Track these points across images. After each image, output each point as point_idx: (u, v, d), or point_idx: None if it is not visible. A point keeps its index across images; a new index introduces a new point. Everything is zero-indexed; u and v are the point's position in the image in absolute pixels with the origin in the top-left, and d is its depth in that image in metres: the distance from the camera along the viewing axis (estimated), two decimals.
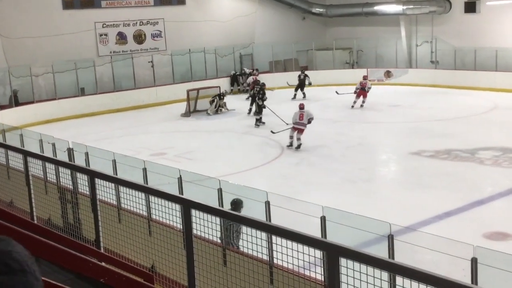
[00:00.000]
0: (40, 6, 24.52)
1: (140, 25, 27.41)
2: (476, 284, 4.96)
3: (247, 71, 28.57)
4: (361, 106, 22.86)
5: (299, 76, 26.28)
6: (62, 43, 24.79)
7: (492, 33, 26.41)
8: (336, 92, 24.30)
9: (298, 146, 16.47)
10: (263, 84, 21.66)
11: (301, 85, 26.00)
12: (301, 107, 17.11)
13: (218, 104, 23.32)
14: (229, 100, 24.35)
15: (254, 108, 21.27)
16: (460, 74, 25.30)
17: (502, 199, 11.86)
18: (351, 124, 20.29)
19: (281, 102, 23.25)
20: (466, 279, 4.94)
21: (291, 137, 16.68)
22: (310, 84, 26.33)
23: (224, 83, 26.50)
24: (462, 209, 11.13)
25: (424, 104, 23.27)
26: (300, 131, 16.59)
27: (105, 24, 26.41)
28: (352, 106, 22.76)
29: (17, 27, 23.87)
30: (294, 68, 30.48)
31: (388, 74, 29.04)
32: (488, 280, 5.12)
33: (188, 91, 23.57)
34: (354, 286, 3.56)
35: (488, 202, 11.68)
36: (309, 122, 16.80)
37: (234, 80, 28.86)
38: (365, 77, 23.97)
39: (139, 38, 27.45)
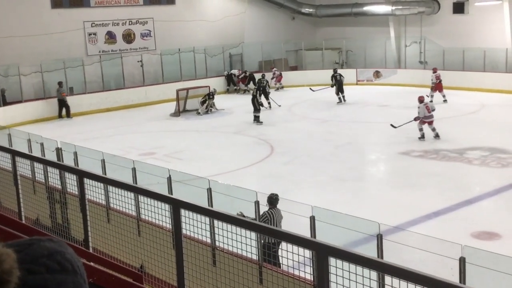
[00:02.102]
0: (29, 4, 24.37)
1: (129, 24, 27.32)
2: (464, 283, 4.99)
3: (236, 72, 28.58)
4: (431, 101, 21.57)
5: (335, 77, 24.37)
6: (50, 42, 24.65)
7: (480, 33, 26.58)
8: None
9: (437, 135, 16.79)
10: (266, 82, 23.26)
11: (340, 86, 24.18)
12: (422, 99, 17.10)
13: (208, 104, 23.32)
14: (225, 99, 24.31)
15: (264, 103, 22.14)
16: (449, 74, 25.40)
17: (490, 199, 11.94)
18: (340, 124, 20.35)
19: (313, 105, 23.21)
20: (454, 278, 4.97)
21: (421, 129, 16.87)
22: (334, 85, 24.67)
23: (213, 83, 26.43)
24: (450, 209, 11.19)
25: (413, 104, 23.31)
26: (431, 122, 16.84)
27: (94, 23, 26.29)
28: (444, 101, 22.79)
29: (5, 25, 23.70)
30: (283, 68, 30.52)
31: (377, 74, 29.15)
32: (476, 279, 5.15)
33: (177, 91, 23.52)
34: (343, 285, 3.57)
35: (476, 201, 11.75)
36: (433, 111, 17.05)
37: (229, 80, 28.77)
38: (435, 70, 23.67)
39: (128, 37, 27.36)
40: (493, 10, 26.03)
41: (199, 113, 23.08)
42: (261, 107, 20.89)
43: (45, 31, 24.58)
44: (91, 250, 5.87)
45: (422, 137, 16.84)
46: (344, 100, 23.94)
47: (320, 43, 31.69)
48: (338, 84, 24.16)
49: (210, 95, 23.45)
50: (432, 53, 28.35)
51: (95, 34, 26.39)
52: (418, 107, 16.91)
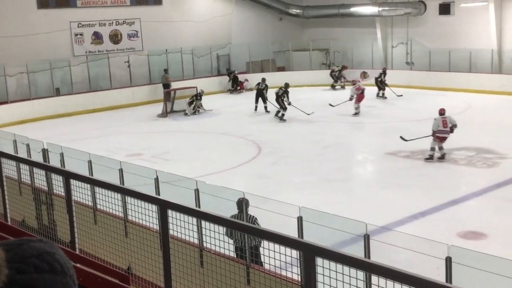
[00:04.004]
0: (15, 5, 24.20)
1: (116, 25, 27.21)
2: (451, 282, 5.02)
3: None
4: (357, 113, 21.50)
5: (380, 75, 25.14)
6: (36, 42, 24.49)
7: (466, 34, 26.78)
8: (330, 105, 22.52)
9: (442, 156, 14.63)
10: (264, 79, 23.44)
11: (381, 84, 24.98)
12: (442, 112, 15.00)
13: (195, 105, 23.29)
14: (213, 100, 24.28)
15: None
16: (435, 75, 25.60)
17: (476, 199, 12.02)
18: (328, 124, 20.39)
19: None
20: (440, 277, 5.00)
21: (433, 149, 14.69)
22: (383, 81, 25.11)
23: (201, 84, 26.38)
24: (437, 209, 11.26)
25: (400, 104, 23.50)
26: (443, 139, 14.68)
27: (80, 23, 26.16)
28: (354, 113, 21.50)
29: None
30: (271, 69, 30.56)
31: (364, 75, 29.21)
32: (462, 278, 5.18)
33: (165, 92, 23.47)
34: (330, 285, 3.58)
35: (462, 201, 11.83)
36: (452, 130, 14.71)
37: (234, 81, 28.59)
38: (358, 79, 24.40)
39: (115, 38, 27.25)
40: (479, 11, 26.23)
41: (186, 114, 23.04)
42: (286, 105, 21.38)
43: (31, 31, 24.41)
44: (77, 252, 5.84)
45: (430, 157, 14.70)
46: (382, 96, 24.83)
47: (308, 44, 31.76)
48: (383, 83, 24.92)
49: (197, 96, 23.42)
50: (419, 54, 28.53)
51: (81, 34, 26.26)
52: (434, 119, 14.95)
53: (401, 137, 16.13)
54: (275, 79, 27.15)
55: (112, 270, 4.70)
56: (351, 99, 21.55)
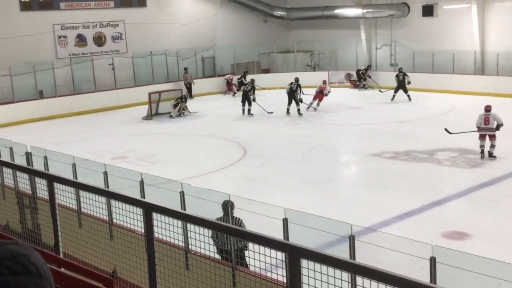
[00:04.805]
0: None
1: (100, 27, 27.09)
2: (435, 282, 5.05)
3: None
4: (314, 109, 22.82)
5: (397, 76, 24.50)
6: (20, 45, 24.30)
7: (449, 36, 27.00)
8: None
9: (491, 154, 14.51)
10: (253, 80, 23.57)
11: (401, 86, 24.13)
12: (487, 109, 14.79)
13: (180, 107, 23.25)
14: (197, 102, 24.27)
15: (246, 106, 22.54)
16: (419, 76, 25.76)
17: (460, 199, 12.12)
18: (312, 126, 20.46)
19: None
20: (425, 278, 5.03)
21: (482, 146, 14.59)
22: (409, 83, 24.26)
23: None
24: (422, 209, 11.33)
25: (383, 106, 23.64)
26: (483, 137, 14.56)
27: (64, 26, 26.00)
28: (307, 108, 22.75)
29: None
30: (256, 71, 30.60)
31: (349, 76, 29.40)
32: (446, 278, 5.22)
33: (149, 94, 23.40)
34: (315, 287, 3.59)
35: (446, 202, 11.92)
36: (498, 128, 14.47)
37: (241, 84, 28.43)
38: (324, 82, 24.05)
39: (99, 40, 27.12)
40: (462, 13, 26.47)
41: (171, 116, 22.99)
42: (300, 102, 21.97)
43: (14, 34, 24.22)
44: (61, 256, 5.79)
45: (482, 153, 14.57)
46: (410, 99, 23.94)
47: (292, 46, 31.86)
48: (399, 83, 24.25)
49: (182, 98, 23.39)
50: (403, 56, 28.72)
51: (65, 37, 26.10)
52: (479, 115, 14.90)
53: (445, 129, 16.11)
54: (260, 81, 27.21)
55: (96, 274, 4.67)
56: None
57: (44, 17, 25.31)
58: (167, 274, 5.01)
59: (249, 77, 26.52)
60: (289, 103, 22.16)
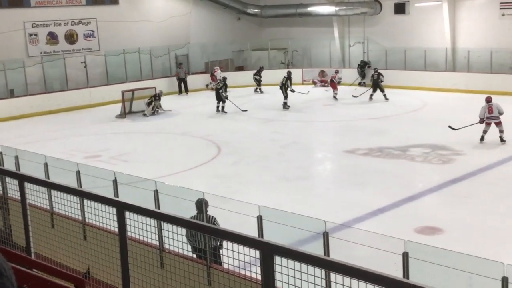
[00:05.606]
0: None
1: (71, 25, 26.76)
2: (408, 277, 5.11)
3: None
4: (335, 97, 24.66)
5: (372, 76, 24.53)
6: None
7: (421, 33, 27.31)
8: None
9: (502, 139, 15.64)
10: (225, 78, 23.61)
11: (376, 85, 24.01)
12: (489, 100, 15.83)
13: (154, 105, 23.12)
14: (171, 100, 24.12)
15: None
16: (391, 73, 25.98)
17: (432, 195, 12.27)
18: (286, 123, 20.52)
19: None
20: (398, 273, 5.08)
21: (485, 131, 15.77)
22: (381, 81, 24.14)
23: (160, 84, 26.15)
24: (395, 205, 11.45)
25: (356, 103, 23.80)
26: (497, 123, 15.67)
27: (35, 23, 25.64)
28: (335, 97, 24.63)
29: None
30: (230, 69, 30.56)
31: (322, 74, 29.53)
32: (419, 273, 5.28)
33: (123, 92, 23.20)
34: (289, 283, 3.60)
35: (419, 197, 12.06)
36: (501, 114, 15.75)
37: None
38: (336, 71, 26.10)
39: (71, 38, 26.80)
40: (433, 11, 26.78)
41: (145, 114, 22.84)
42: (292, 92, 23.03)
43: None
44: (33, 256, 5.72)
45: (481, 139, 15.79)
46: (386, 99, 23.80)
47: (266, 44, 31.89)
48: (373, 82, 24.17)
49: (156, 97, 23.25)
50: (375, 53, 28.96)
51: (36, 35, 25.74)
52: (481, 107, 15.82)
53: (449, 126, 16.67)
54: (234, 79, 27.21)
55: (68, 274, 4.62)
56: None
57: (14, 15, 24.91)
58: (141, 274, 4.99)
59: (223, 74, 26.49)
60: (285, 97, 23.12)
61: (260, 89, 27.52)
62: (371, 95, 24.02)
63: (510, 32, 24.59)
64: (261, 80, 27.26)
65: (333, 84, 25.13)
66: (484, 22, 25.43)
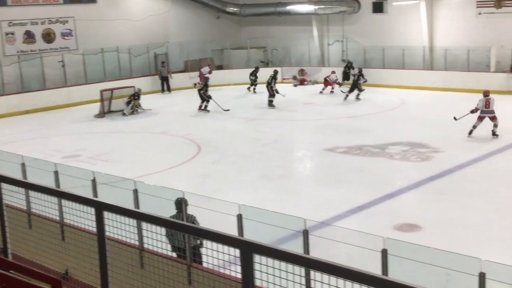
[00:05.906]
0: None
1: (49, 23, 26.48)
2: (387, 274, 5.14)
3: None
4: (331, 92, 25.95)
5: (354, 75, 24.46)
6: None
7: (399, 32, 27.52)
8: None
9: (494, 133, 16.07)
10: (207, 79, 24.12)
11: (354, 86, 23.89)
12: (486, 94, 16.16)
13: (133, 105, 22.98)
14: (150, 99, 23.99)
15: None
16: (370, 72, 26.15)
17: (410, 192, 12.37)
18: (266, 122, 20.54)
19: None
20: (377, 270, 5.12)
21: (475, 126, 16.12)
22: (365, 81, 24.04)
23: (138, 83, 25.98)
24: (374, 203, 11.52)
25: (336, 101, 23.91)
26: (492, 118, 16.02)
27: (11, 22, 25.32)
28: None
29: None
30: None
31: (302, 72, 29.62)
32: (398, 269, 5.32)
33: (101, 91, 23.02)
34: (268, 281, 3.61)
35: (397, 195, 12.15)
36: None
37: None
38: (332, 72, 26.60)
39: (48, 37, 26.51)
40: (411, 9, 27.00)
41: (124, 113, 22.70)
42: (276, 93, 23.06)
43: None
44: (10, 258, 5.65)
45: (470, 133, 16.20)
46: (358, 98, 23.86)
47: (245, 42, 31.89)
48: (353, 82, 24.10)
49: (135, 96, 23.12)
50: (354, 52, 29.13)
51: (12, 33, 25.42)
52: (479, 100, 16.17)
53: (454, 117, 16.95)
54: (213, 78, 27.12)
55: (45, 275, 4.58)
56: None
57: None
58: (121, 274, 4.96)
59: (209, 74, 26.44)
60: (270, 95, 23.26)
61: (254, 88, 27.25)
62: (347, 95, 23.94)
63: (486, 30, 24.88)
64: (256, 80, 27.08)
65: (326, 82, 26.10)
66: (461, 21, 25.70)
